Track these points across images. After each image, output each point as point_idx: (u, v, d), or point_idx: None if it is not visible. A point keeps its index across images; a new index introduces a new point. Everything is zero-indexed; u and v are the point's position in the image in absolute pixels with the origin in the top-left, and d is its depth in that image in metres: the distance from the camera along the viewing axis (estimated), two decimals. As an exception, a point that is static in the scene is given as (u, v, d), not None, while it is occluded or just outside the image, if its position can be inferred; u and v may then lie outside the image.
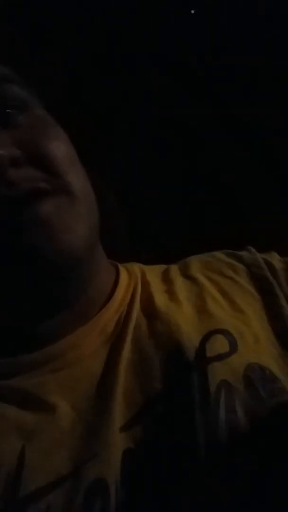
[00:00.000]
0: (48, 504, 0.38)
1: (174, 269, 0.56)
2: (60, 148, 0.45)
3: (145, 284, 0.53)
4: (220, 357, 0.43)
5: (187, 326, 0.47)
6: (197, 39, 1.10)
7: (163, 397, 0.42)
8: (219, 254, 0.58)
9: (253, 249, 0.57)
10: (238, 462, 0.38)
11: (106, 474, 0.39)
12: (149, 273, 0.56)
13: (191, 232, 1.07)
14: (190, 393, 0.41)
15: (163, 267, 0.58)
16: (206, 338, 0.45)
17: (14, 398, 0.44)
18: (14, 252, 0.41)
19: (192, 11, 1.09)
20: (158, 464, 0.39)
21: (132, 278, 0.54)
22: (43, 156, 0.43)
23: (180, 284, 0.53)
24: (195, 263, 0.57)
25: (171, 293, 0.52)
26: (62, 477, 0.39)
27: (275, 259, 0.54)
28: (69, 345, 0.47)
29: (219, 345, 0.45)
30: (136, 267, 0.57)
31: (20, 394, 0.44)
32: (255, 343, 0.46)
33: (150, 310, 0.49)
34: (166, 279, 0.54)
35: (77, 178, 0.45)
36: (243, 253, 0.56)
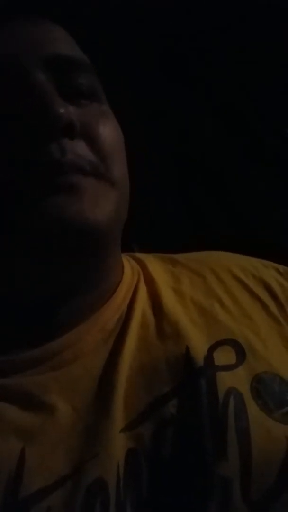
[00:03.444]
0: (48, 505, 0.37)
1: (181, 262, 0.55)
2: (112, 135, 0.46)
3: (151, 281, 0.52)
4: (227, 368, 0.44)
5: (195, 331, 0.47)
6: (186, 25, 1.08)
7: (170, 400, 0.42)
8: (230, 254, 0.58)
9: (268, 262, 0.57)
10: (246, 468, 0.38)
11: (105, 474, 0.38)
12: (152, 265, 0.54)
13: (185, 225, 1.06)
14: (198, 398, 0.41)
15: (167, 257, 0.57)
16: (214, 347, 0.45)
17: (14, 398, 0.42)
18: (40, 213, 0.40)
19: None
20: (163, 466, 0.38)
21: (134, 273, 0.53)
22: (96, 137, 0.44)
23: (187, 282, 0.52)
24: (204, 258, 0.56)
25: (178, 292, 0.51)
26: (62, 477, 0.38)
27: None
28: (69, 342, 0.46)
29: (226, 356, 0.45)
30: (135, 261, 0.55)
31: (20, 394, 0.43)
32: (264, 350, 0.46)
33: (158, 309, 0.49)
34: (173, 273, 0.54)
35: (119, 168, 0.46)
36: (255, 259, 0.57)
